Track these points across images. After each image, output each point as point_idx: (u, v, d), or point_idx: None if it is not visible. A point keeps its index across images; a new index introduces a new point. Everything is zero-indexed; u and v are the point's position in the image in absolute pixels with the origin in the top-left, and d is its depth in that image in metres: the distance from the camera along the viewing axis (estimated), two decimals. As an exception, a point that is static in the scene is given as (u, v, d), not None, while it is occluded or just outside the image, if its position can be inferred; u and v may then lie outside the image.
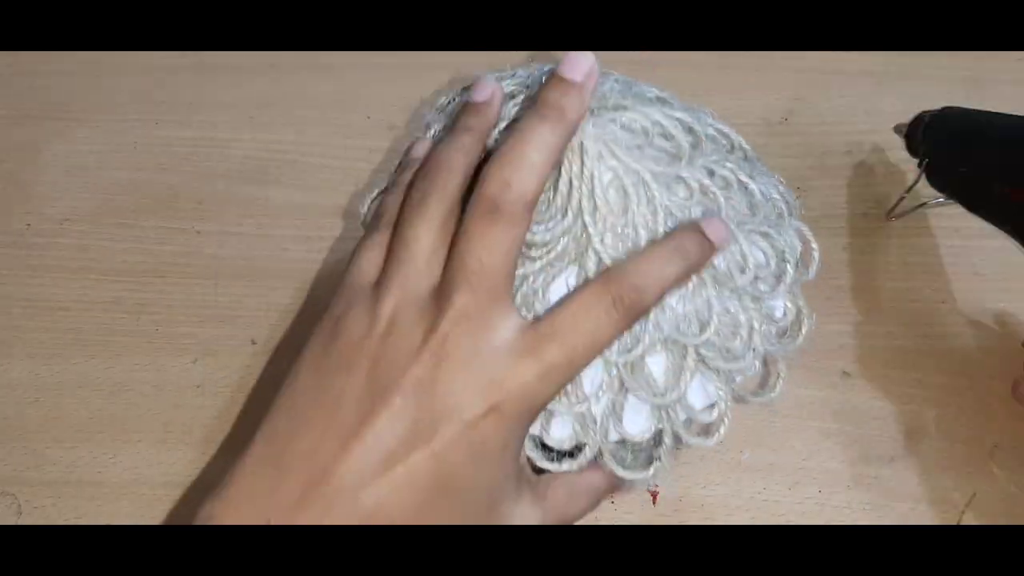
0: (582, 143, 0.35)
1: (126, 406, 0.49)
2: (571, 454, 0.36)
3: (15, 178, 0.56)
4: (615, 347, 0.35)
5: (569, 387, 0.35)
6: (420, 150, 0.39)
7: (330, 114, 0.58)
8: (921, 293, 0.50)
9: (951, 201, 0.47)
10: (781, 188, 0.41)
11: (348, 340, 0.35)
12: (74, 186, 0.56)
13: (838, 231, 0.52)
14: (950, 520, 0.45)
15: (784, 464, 0.46)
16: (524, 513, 0.35)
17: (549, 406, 0.35)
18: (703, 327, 0.36)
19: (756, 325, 0.37)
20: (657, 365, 0.36)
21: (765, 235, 0.38)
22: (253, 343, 0.50)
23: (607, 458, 0.36)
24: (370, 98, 0.59)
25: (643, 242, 0.35)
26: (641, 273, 0.34)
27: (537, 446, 0.36)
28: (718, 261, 0.36)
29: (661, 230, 0.35)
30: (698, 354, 0.36)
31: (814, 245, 0.40)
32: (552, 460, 0.36)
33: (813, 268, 0.40)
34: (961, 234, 0.52)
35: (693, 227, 0.35)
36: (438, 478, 0.32)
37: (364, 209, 0.41)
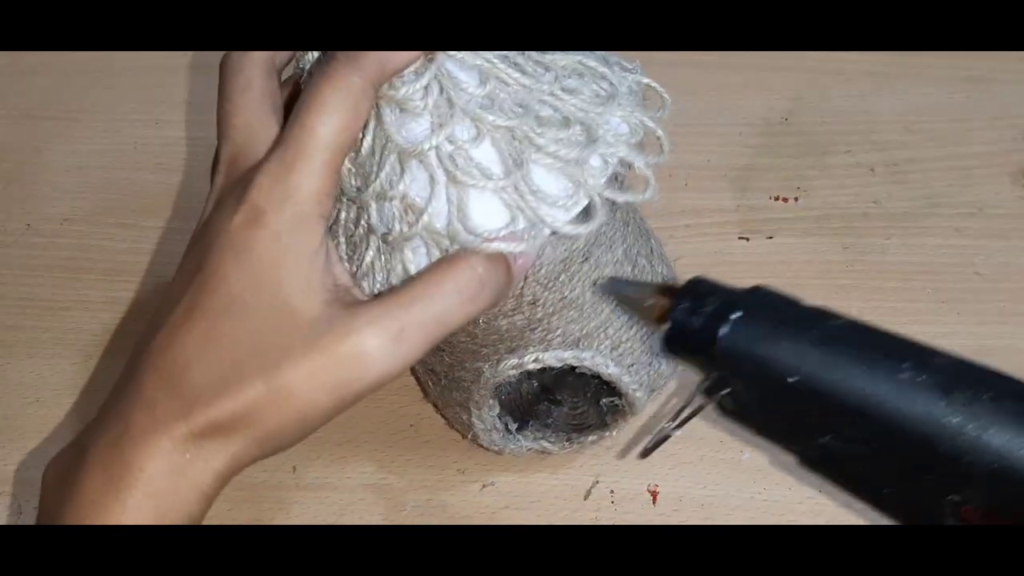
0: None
1: (126, 406, 0.49)
2: None
3: (15, 178, 0.56)
4: (426, 131, 0.33)
5: (400, 206, 0.33)
6: None
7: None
8: (921, 293, 0.50)
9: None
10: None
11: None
12: (74, 186, 0.56)
13: (838, 231, 0.52)
14: (950, 520, 0.45)
15: (784, 464, 0.46)
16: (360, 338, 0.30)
17: (389, 242, 0.33)
18: (527, 110, 0.34)
19: (593, 119, 0.34)
20: (486, 153, 0.33)
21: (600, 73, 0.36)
22: (253, 343, 0.50)
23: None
24: (370, 98, 0.59)
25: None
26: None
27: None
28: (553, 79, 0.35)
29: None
30: (528, 137, 0.33)
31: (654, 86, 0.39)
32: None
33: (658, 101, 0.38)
34: (961, 234, 0.52)
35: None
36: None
37: None
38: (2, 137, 0.58)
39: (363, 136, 0.34)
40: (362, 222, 0.35)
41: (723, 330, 0.27)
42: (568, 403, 0.47)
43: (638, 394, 0.42)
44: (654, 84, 0.38)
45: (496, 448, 0.44)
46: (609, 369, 0.41)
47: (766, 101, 0.56)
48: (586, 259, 0.38)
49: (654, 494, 0.46)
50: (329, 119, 0.31)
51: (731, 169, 0.54)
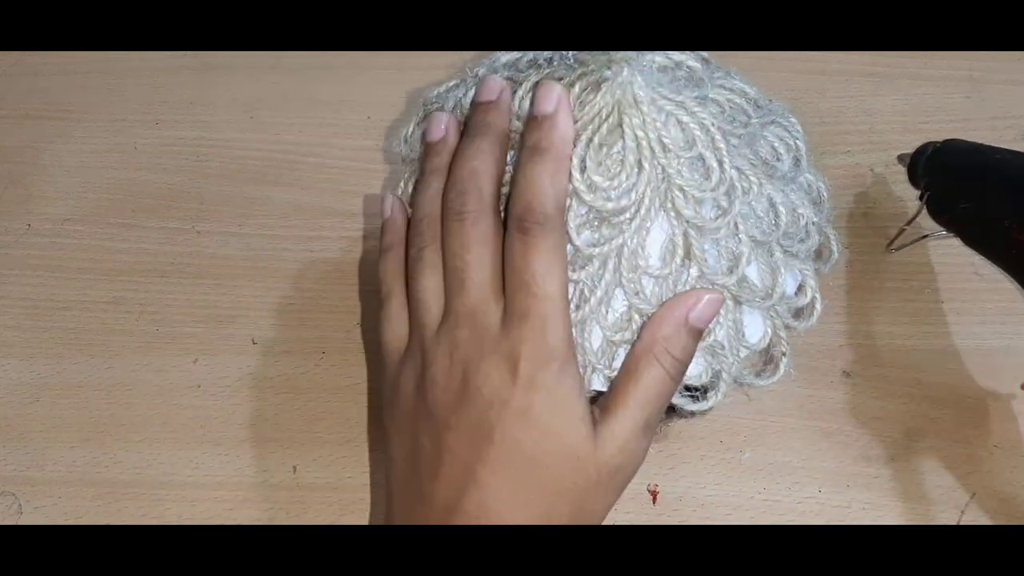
0: (635, 95, 0.36)
1: (126, 406, 0.49)
2: (706, 389, 0.38)
3: (15, 178, 0.56)
4: (719, 269, 0.37)
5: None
6: (437, 132, 0.40)
7: (330, 114, 0.58)
8: (921, 293, 0.50)
9: (952, 235, 0.46)
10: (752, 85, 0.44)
11: (436, 397, 0.35)
12: (74, 186, 0.56)
13: (838, 231, 0.52)
14: (950, 520, 0.45)
15: (784, 464, 0.46)
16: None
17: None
18: (776, 220, 0.38)
19: (804, 206, 0.40)
20: (753, 272, 0.38)
21: (775, 124, 0.41)
22: (253, 343, 0.50)
23: (739, 376, 0.38)
24: (370, 98, 0.59)
25: (713, 164, 0.36)
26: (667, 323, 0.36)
27: (679, 392, 0.37)
28: (761, 157, 0.39)
29: (723, 147, 0.37)
30: (781, 246, 0.38)
31: (797, 124, 0.43)
32: (694, 399, 0.38)
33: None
34: (961, 234, 0.52)
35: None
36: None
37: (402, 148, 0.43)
38: (2, 137, 0.58)
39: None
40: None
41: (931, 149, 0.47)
42: None
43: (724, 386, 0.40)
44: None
45: None
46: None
47: (766, 101, 0.56)
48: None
49: (654, 494, 0.46)
50: (554, 278, 0.34)
51: (731, 169, 0.54)
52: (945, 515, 0.45)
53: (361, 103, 0.58)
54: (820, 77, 0.57)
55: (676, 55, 0.39)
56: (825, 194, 0.42)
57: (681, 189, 0.36)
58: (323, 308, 0.51)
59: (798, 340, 0.49)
